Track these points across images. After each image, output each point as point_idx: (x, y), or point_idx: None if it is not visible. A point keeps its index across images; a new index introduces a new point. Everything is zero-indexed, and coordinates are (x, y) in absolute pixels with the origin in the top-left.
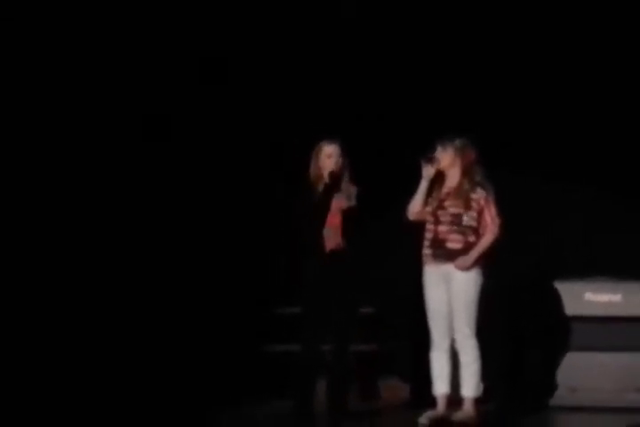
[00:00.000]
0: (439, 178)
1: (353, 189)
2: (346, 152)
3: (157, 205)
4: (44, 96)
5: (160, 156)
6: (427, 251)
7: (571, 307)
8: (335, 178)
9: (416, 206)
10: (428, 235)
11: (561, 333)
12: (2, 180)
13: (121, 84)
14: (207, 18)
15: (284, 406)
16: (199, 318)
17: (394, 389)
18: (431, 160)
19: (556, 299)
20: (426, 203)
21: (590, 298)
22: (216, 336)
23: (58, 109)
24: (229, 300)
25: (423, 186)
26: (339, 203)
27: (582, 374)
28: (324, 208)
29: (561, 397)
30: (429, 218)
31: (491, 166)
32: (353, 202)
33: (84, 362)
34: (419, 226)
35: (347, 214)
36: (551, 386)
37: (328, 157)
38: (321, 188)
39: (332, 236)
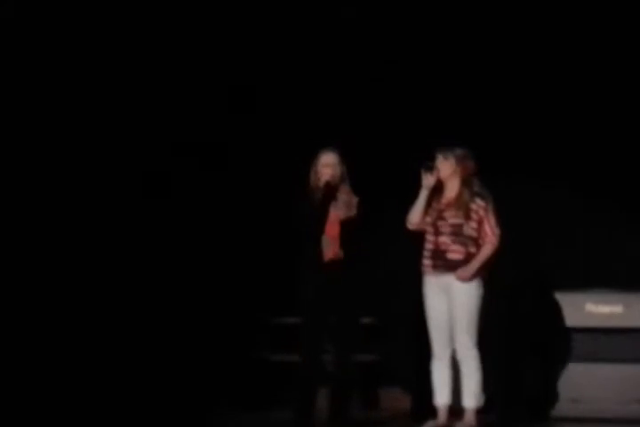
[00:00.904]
0: (438, 188)
1: (354, 200)
2: (345, 161)
3: (157, 212)
4: (45, 140)
5: (158, 157)
6: (427, 262)
7: (572, 318)
8: (330, 188)
9: (416, 216)
10: (429, 246)
11: (562, 344)
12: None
13: (120, 83)
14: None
15: (285, 416)
16: (200, 326)
17: (395, 399)
18: (431, 169)
19: (557, 310)
20: (425, 213)
21: (591, 309)
22: (217, 345)
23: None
24: (231, 308)
25: (423, 195)
26: (337, 213)
27: (584, 385)
28: (321, 218)
29: (562, 408)
30: (429, 229)
31: (490, 174)
32: (353, 212)
33: (84, 369)
34: (418, 235)
35: (346, 224)
36: (552, 397)
37: (324, 166)
38: (318, 197)
39: (330, 246)
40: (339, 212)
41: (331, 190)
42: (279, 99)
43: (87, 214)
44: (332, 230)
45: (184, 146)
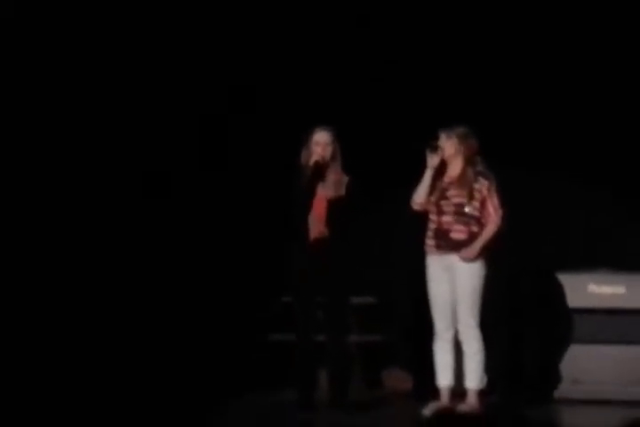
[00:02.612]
0: (441, 167)
1: (344, 179)
2: (339, 140)
3: (158, 197)
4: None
5: (158, 157)
6: (430, 242)
7: (574, 299)
8: (319, 167)
9: (421, 196)
10: (432, 225)
11: (564, 325)
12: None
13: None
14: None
15: (287, 395)
16: (201, 308)
17: (397, 380)
18: (436, 149)
19: (559, 291)
20: (430, 193)
21: (594, 290)
22: (218, 326)
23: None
24: (232, 289)
25: (428, 175)
26: (324, 192)
27: (586, 366)
28: (307, 196)
29: (564, 389)
30: (432, 209)
31: (493, 158)
32: (342, 191)
33: (88, 356)
34: (418, 214)
35: (333, 203)
36: (555, 378)
37: (316, 144)
38: (307, 176)
39: (315, 224)
40: (327, 191)
41: (319, 170)
42: (279, 98)
43: (87, 214)
44: (318, 209)
45: (184, 146)
